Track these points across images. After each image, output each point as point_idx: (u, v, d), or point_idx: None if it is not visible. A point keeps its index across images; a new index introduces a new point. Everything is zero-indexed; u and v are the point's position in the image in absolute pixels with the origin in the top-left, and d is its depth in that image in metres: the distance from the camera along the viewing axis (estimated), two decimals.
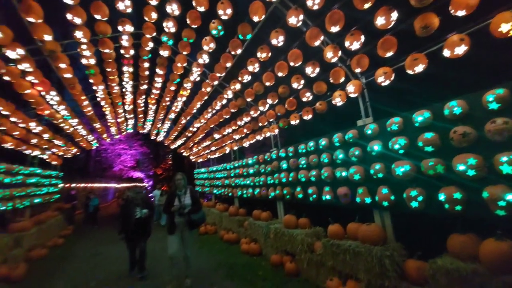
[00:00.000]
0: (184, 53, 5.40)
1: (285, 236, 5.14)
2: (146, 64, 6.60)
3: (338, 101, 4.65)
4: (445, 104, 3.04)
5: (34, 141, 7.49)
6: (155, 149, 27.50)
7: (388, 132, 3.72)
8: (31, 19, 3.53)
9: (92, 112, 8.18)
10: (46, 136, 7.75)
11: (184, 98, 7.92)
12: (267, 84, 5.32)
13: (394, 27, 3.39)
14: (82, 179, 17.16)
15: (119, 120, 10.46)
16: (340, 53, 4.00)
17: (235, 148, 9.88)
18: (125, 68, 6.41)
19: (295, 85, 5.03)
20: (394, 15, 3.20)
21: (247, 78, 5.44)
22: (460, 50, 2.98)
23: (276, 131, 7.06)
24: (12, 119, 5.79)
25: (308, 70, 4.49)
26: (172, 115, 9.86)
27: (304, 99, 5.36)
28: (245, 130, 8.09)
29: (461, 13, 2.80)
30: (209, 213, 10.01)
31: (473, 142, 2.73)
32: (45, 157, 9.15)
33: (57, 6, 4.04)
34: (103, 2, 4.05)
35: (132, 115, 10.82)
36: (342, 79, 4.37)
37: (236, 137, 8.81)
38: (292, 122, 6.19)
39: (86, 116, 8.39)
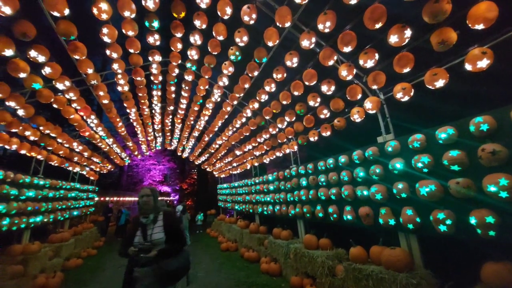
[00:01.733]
0: (206, 77, 5.82)
1: (305, 257, 4.97)
2: (173, 88, 7.18)
3: (356, 117, 4.59)
4: (470, 120, 2.88)
5: (75, 159, 8.36)
6: (181, 165, 28.65)
7: (410, 149, 3.56)
8: (77, 57, 4.14)
9: (125, 132, 8.98)
10: (85, 154, 8.63)
11: (206, 117, 8.35)
12: (284, 102, 5.45)
13: (409, 44, 3.35)
14: (115, 193, 18.37)
15: (149, 138, 11.30)
16: (355, 71, 4.02)
17: (256, 164, 9.99)
18: (154, 92, 7.04)
19: (311, 103, 5.09)
20: (408, 32, 3.18)
21: (264, 97, 5.63)
22: (483, 63, 2.85)
23: (295, 147, 7.07)
24: (59, 140, 6.60)
25: (324, 88, 4.54)
26: (196, 133, 10.39)
27: (322, 116, 5.36)
28: (264, 147, 8.21)
29: (479, 26, 2.71)
30: (231, 229, 10.05)
31: (504, 161, 2.52)
32: (84, 173, 10.11)
33: (95, 40, 4.60)
34: (135, 37, 4.60)
35: (160, 134, 11.62)
36: (359, 96, 4.33)
37: (257, 153, 8.94)
38: (311, 139, 6.17)
39: (120, 135, 9.23)
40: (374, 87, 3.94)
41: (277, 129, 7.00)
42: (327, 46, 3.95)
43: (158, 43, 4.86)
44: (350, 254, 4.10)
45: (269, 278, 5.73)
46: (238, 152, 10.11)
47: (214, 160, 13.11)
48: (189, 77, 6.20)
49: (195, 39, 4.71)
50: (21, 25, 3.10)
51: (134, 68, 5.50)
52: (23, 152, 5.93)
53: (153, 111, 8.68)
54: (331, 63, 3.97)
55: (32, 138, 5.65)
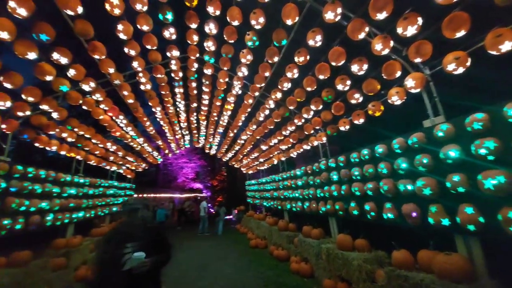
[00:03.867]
0: (225, 68, 5.58)
1: (338, 259, 4.50)
2: (194, 84, 7.12)
3: (395, 99, 3.93)
4: None
5: (111, 158, 8.89)
6: (211, 162, 29.35)
7: (468, 132, 2.88)
8: (96, 56, 4.21)
9: (154, 131, 9.28)
10: (120, 153, 9.13)
11: (229, 112, 8.18)
12: (309, 89, 4.96)
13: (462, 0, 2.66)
14: (152, 190, 19.49)
15: (177, 136, 11.60)
16: (392, 43, 3.39)
17: (283, 159, 9.58)
18: (176, 90, 7.07)
19: (340, 87, 4.52)
20: None
21: (287, 85, 5.20)
22: None
23: (324, 139, 6.51)
24: (93, 141, 7.01)
25: (355, 68, 3.96)
26: (220, 129, 10.33)
27: (353, 102, 4.76)
28: (291, 140, 7.76)
29: None
30: (260, 226, 9.85)
31: None
32: (121, 171, 10.77)
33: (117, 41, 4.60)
34: (151, 33, 4.53)
35: (187, 132, 11.86)
36: (399, 73, 3.68)
37: (283, 147, 8.54)
38: (342, 128, 5.59)
39: (149, 134, 9.59)
40: (417, 60, 3.27)
41: (302, 120, 6.51)
42: (356, 17, 3.38)
43: (174, 37, 4.74)
44: (393, 258, 3.54)
45: (299, 279, 5.37)
46: (263, 147, 9.81)
47: (241, 156, 13.00)
48: (208, 71, 6.03)
49: (210, 28, 4.47)
50: (39, 26, 3.17)
51: (154, 66, 5.51)
52: (63, 153, 6.39)
53: (178, 109, 8.79)
54: (361, 36, 3.40)
55: (69, 139, 6.05)
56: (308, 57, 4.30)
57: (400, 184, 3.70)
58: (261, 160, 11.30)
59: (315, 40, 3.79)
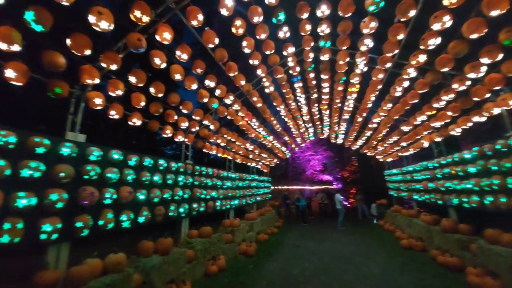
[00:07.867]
0: (344, 47, 5.03)
1: None
2: (312, 75, 6.99)
3: None
4: None
5: (251, 156, 10.57)
6: (339, 152, 27.96)
7: None
8: (231, 74, 5.10)
9: (280, 128, 10.08)
10: (256, 151, 10.67)
11: (354, 95, 7.36)
12: (474, 36, 3.46)
13: None
14: (284, 183, 21.37)
15: (301, 130, 11.96)
16: None
17: (437, 139, 7.40)
18: (296, 85, 7.26)
19: None
20: None
21: (434, 42, 3.91)
22: None
23: (511, 103, 4.35)
24: (237, 143, 8.61)
25: None
26: (346, 116, 9.54)
27: None
28: (449, 113, 5.82)
29: None
30: (412, 224, 8.20)
31: None
32: (258, 166, 12.57)
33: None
34: (268, 38, 4.89)
35: (310, 124, 11.92)
36: None
37: (436, 124, 6.59)
38: None
39: (277, 132, 10.52)
40: None
41: (467, 83, 4.68)
42: None
43: (288, 34, 4.85)
44: None
45: None
46: (405, 128, 8.03)
47: (375, 143, 11.39)
48: (325, 57, 5.69)
49: (322, 10, 4.19)
50: (196, 64, 4.27)
51: (274, 68, 5.93)
52: (219, 154, 8.34)
53: (299, 103, 9.00)
54: None
55: (222, 144, 7.78)
56: None
57: None
58: (403, 144, 9.34)
59: None
